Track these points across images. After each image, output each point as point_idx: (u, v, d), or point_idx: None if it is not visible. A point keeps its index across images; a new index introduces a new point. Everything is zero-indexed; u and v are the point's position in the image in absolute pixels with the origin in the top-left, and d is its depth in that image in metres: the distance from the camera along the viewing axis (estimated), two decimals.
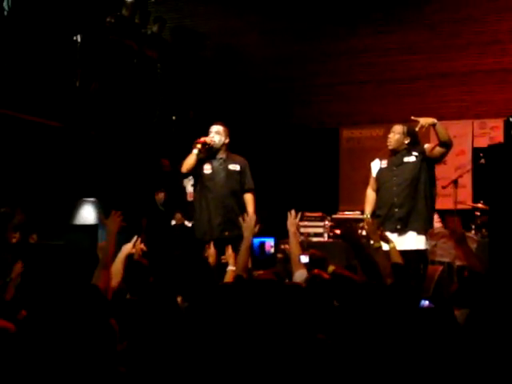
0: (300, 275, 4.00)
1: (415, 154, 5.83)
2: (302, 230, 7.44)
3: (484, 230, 7.72)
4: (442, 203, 9.91)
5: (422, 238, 5.73)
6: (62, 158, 7.07)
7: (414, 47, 9.13)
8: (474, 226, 8.08)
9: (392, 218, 5.73)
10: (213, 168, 5.93)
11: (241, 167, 6.01)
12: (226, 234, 5.83)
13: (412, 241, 5.68)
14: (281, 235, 7.54)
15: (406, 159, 5.83)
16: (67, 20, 6.97)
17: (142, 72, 8.17)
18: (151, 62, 8.38)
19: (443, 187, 8.90)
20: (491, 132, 9.90)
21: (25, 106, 6.55)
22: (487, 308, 3.06)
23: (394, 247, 4.43)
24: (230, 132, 6.07)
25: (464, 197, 9.22)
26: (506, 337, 2.61)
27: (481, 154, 7.73)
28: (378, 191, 5.97)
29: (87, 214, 7.81)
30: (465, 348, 2.52)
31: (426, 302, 2.86)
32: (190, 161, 5.88)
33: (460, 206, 8.41)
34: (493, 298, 3.45)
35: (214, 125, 6.01)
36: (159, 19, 8.81)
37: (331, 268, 4.12)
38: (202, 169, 5.93)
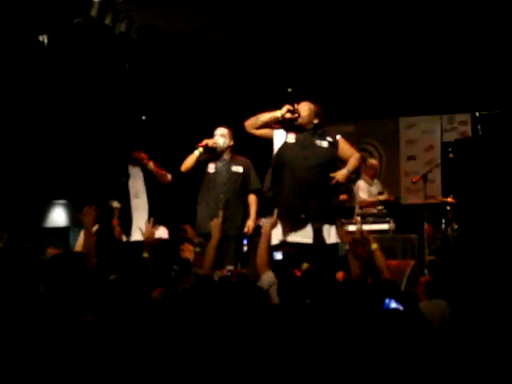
0: (267, 278, 3.98)
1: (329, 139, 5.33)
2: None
3: (454, 224, 7.83)
4: (412, 198, 10.07)
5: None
6: (31, 161, 7.01)
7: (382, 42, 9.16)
8: (444, 220, 8.18)
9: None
10: (216, 168, 6.10)
11: (244, 169, 6.16)
12: (223, 233, 5.91)
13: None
14: (254, 234, 7.58)
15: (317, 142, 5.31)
16: (33, 20, 6.90)
17: (111, 72, 8.13)
18: (120, 61, 8.34)
19: (413, 182, 9.03)
20: (459, 127, 10.03)
21: None
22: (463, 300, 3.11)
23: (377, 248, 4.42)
24: (205, 132, 6.16)
25: (433, 191, 9.33)
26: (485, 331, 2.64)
27: (449, 149, 7.83)
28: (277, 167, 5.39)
29: (58, 217, 7.74)
30: (440, 346, 2.54)
31: (392, 302, 2.86)
32: (189, 161, 6.02)
33: (430, 201, 8.51)
34: (464, 289, 3.51)
35: (219, 127, 6.18)
36: (127, 18, 8.74)
37: (305, 265, 4.15)
38: (207, 168, 6.08)
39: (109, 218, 7.03)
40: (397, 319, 2.54)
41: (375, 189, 8.60)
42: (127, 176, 7.02)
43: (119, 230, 6.90)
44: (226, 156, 6.15)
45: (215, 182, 6.07)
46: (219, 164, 6.12)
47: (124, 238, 6.88)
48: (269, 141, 5.37)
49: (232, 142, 6.17)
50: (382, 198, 8.42)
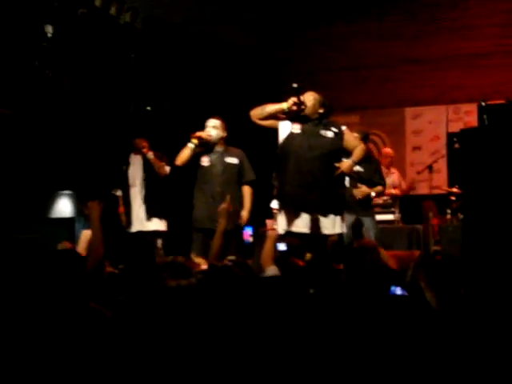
0: (270, 272, 3.98)
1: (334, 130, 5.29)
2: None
3: (459, 214, 7.80)
4: (418, 188, 10.04)
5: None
6: (37, 151, 7.02)
7: (388, 33, 9.13)
8: (449, 211, 8.15)
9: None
10: (210, 161, 6.04)
11: (239, 160, 6.10)
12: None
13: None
14: (259, 224, 7.57)
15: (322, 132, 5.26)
16: (38, 11, 6.89)
17: (116, 62, 8.12)
18: (125, 52, 8.32)
19: (418, 172, 9.01)
20: (465, 117, 9.98)
21: None
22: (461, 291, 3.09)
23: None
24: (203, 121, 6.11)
25: (439, 182, 9.31)
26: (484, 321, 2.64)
27: (455, 139, 7.80)
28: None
29: (63, 207, 7.75)
30: (442, 333, 2.54)
31: (397, 289, 2.87)
32: (184, 154, 5.99)
33: (435, 191, 8.49)
34: (467, 281, 3.49)
35: (210, 119, 6.09)
36: (132, 9, 8.74)
37: (308, 256, 4.14)
38: (200, 161, 6.02)
39: (114, 208, 7.06)
40: (402, 305, 2.54)
41: (390, 179, 8.53)
42: (127, 164, 7.02)
43: (125, 219, 6.93)
44: (219, 148, 6.08)
45: (210, 175, 6.00)
46: (213, 156, 6.04)
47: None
48: (274, 130, 5.34)
49: (225, 134, 6.09)
50: (393, 191, 8.36)
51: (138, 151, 6.84)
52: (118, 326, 2.61)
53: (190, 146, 5.93)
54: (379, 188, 6.85)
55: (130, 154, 7.05)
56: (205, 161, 6.03)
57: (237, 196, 6.02)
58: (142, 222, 6.80)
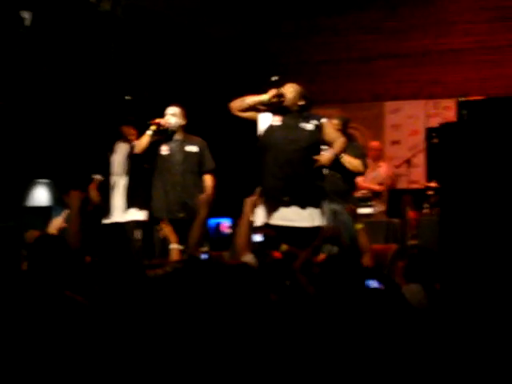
0: (247, 260, 3.97)
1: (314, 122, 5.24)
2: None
3: (437, 209, 7.84)
4: (397, 182, 10.08)
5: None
6: (14, 139, 6.96)
7: (368, 27, 9.15)
8: (427, 205, 8.19)
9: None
10: (170, 149, 5.96)
11: (199, 148, 6.02)
12: (181, 215, 5.85)
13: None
14: (237, 216, 7.55)
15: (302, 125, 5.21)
16: None
17: (96, 51, 8.05)
18: (105, 40, 8.26)
19: (396, 167, 9.04)
20: (444, 112, 10.03)
21: None
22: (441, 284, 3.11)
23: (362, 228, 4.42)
24: (190, 113, 6.07)
25: (417, 176, 9.35)
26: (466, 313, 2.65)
27: (433, 134, 7.83)
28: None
29: (40, 196, 7.71)
30: (419, 327, 2.55)
31: (374, 282, 2.87)
32: (142, 142, 5.93)
33: (413, 186, 8.53)
34: (444, 275, 3.51)
35: (170, 106, 6.01)
36: None
37: (284, 247, 4.15)
38: (159, 150, 5.95)
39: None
40: (378, 298, 2.55)
41: (378, 173, 8.50)
42: (111, 151, 6.96)
43: (96, 194, 6.80)
44: (179, 136, 6.01)
45: (170, 163, 5.93)
46: (172, 145, 5.98)
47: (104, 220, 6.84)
48: (253, 123, 5.33)
49: (184, 121, 6.02)
50: (377, 188, 8.34)
51: (125, 139, 6.74)
52: (94, 315, 2.59)
53: (148, 133, 5.88)
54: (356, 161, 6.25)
55: (116, 141, 6.98)
56: (164, 149, 5.96)
57: (199, 185, 5.96)
58: (121, 211, 6.73)
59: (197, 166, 6.01)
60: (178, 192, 5.89)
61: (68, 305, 2.58)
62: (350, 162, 5.80)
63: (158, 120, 5.91)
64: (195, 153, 6.01)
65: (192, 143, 6.03)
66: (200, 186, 5.99)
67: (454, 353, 2.45)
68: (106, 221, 6.81)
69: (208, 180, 6.06)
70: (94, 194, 6.78)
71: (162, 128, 5.89)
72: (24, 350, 2.39)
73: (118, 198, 6.70)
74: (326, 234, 4.33)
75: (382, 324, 2.44)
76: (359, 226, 4.44)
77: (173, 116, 5.96)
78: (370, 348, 2.39)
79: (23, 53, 6.92)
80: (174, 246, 4.48)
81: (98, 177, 6.97)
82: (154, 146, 5.97)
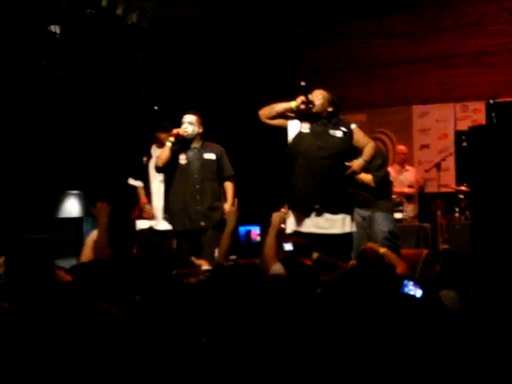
0: (275, 270, 3.95)
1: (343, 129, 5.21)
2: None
3: (467, 213, 7.78)
4: (426, 187, 10.02)
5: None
6: (45, 151, 7.03)
7: (395, 32, 9.12)
8: (457, 209, 8.13)
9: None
10: (188, 158, 5.92)
11: (216, 155, 6.00)
12: (203, 224, 5.84)
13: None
14: (266, 224, 7.56)
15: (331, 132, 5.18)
16: (45, 11, 6.91)
17: (123, 63, 8.14)
18: (132, 52, 8.34)
19: (426, 171, 8.98)
20: (473, 115, 9.96)
21: (4, 99, 6.50)
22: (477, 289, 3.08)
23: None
24: (215, 121, 6.07)
25: (447, 180, 9.28)
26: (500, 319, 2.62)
27: (463, 137, 7.76)
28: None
29: (71, 207, 7.76)
30: (458, 331, 2.53)
31: (410, 283, 2.83)
32: (164, 154, 5.87)
33: (443, 189, 8.47)
34: (477, 280, 3.47)
35: (186, 115, 5.98)
36: (138, 8, 8.75)
37: (315, 255, 4.13)
38: (177, 159, 5.90)
39: (128, 201, 7.04)
40: (415, 304, 2.53)
41: (405, 177, 8.47)
42: (149, 156, 6.95)
43: (149, 209, 6.87)
44: (196, 144, 5.96)
45: (188, 172, 5.88)
46: (190, 153, 5.92)
47: (152, 223, 6.85)
48: (283, 130, 5.31)
49: (201, 129, 5.98)
50: (406, 191, 8.30)
51: (160, 144, 6.67)
52: (131, 326, 2.61)
53: (168, 144, 5.85)
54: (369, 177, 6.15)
55: (151, 145, 6.98)
56: (182, 159, 5.91)
57: (217, 192, 5.97)
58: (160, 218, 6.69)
59: (215, 173, 5.98)
60: (198, 201, 5.87)
61: (102, 317, 2.59)
62: (362, 178, 5.87)
63: (175, 130, 5.88)
64: (213, 160, 5.98)
65: (210, 150, 6.00)
66: (219, 193, 5.99)
67: (490, 359, 2.43)
68: (156, 226, 6.84)
69: (228, 186, 6.04)
70: (147, 210, 6.86)
71: (180, 137, 5.88)
72: (56, 359, 2.41)
73: (159, 203, 6.67)
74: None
75: (425, 332, 2.42)
76: (382, 250, 4.38)
77: (190, 124, 5.91)
78: (414, 357, 2.38)
79: (54, 65, 7.01)
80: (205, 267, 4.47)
81: (138, 183, 6.98)
82: (173, 156, 5.96)
